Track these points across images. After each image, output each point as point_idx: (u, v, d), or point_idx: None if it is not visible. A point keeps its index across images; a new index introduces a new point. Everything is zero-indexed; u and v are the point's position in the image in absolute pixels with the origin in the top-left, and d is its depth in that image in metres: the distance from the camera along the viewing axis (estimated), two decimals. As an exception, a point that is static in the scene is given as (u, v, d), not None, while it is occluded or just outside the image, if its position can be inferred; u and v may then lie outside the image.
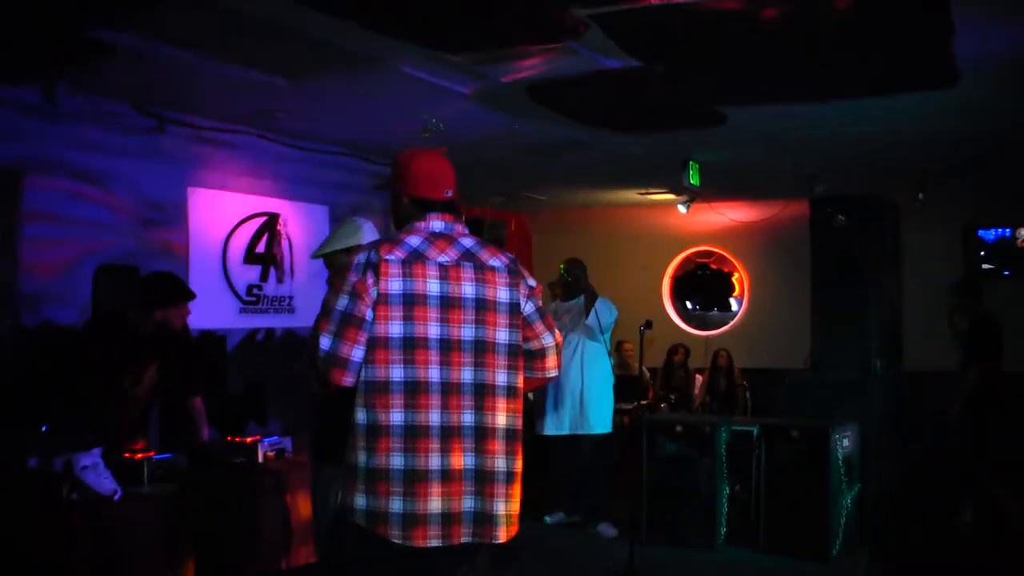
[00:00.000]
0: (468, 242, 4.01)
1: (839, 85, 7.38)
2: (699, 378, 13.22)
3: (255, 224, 9.54)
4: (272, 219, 9.67)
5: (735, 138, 9.28)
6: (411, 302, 3.79)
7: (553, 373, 4.19)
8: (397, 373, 3.75)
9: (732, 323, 14.93)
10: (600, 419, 9.25)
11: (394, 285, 3.77)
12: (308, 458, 5.71)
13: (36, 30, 6.02)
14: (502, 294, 3.97)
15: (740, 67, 6.95)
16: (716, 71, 7.06)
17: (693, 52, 6.55)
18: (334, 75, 7.14)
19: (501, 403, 3.91)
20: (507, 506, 3.91)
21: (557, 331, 4.19)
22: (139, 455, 5.70)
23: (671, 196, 13.30)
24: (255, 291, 9.58)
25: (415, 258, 3.84)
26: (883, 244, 9.80)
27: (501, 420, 3.90)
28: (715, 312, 15.28)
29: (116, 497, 5.25)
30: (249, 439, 6.46)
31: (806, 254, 9.87)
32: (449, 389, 3.81)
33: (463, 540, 3.82)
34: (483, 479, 3.85)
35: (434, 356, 3.80)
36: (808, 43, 6.32)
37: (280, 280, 9.74)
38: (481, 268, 3.95)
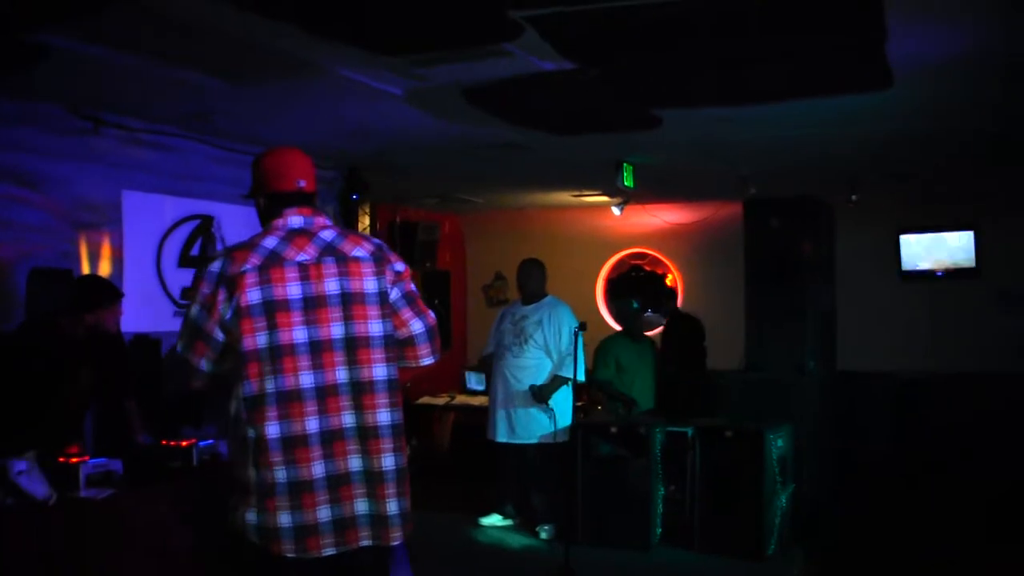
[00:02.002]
0: (329, 235, 3.89)
1: (774, 88, 7.44)
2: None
3: (189, 227, 9.43)
4: (206, 221, 9.58)
5: (670, 141, 9.33)
6: (272, 309, 3.69)
7: (428, 361, 4.02)
8: (269, 385, 3.66)
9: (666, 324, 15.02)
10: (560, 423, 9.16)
11: (252, 296, 3.68)
12: None
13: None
14: (369, 285, 3.84)
15: (674, 71, 7.00)
16: (651, 75, 7.11)
17: (627, 55, 6.58)
18: (270, 77, 7.09)
19: (382, 399, 3.79)
20: (400, 505, 3.81)
21: (431, 314, 4.04)
22: (74, 459, 5.63)
23: (605, 198, 13.38)
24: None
25: (272, 262, 3.75)
26: (817, 245, 9.87)
27: (384, 417, 3.79)
28: (649, 314, 15.36)
29: (50, 502, 5.20)
30: (184, 442, 6.37)
31: (740, 255, 9.92)
32: (325, 392, 3.71)
33: (362, 543, 3.73)
34: (373, 480, 3.75)
35: (304, 361, 3.69)
36: (742, 47, 6.38)
37: (215, 283, 9.60)
38: (344, 261, 3.83)
